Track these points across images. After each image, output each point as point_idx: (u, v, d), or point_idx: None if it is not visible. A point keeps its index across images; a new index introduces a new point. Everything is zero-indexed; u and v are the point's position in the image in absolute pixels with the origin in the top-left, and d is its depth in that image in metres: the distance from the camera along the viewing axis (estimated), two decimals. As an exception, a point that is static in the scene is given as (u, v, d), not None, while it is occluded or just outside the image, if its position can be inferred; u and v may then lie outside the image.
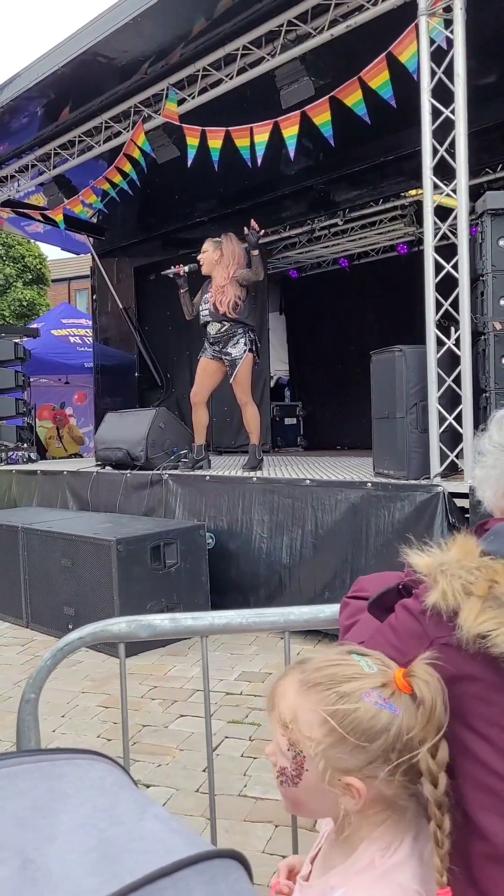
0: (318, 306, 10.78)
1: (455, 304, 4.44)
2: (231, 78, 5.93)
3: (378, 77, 4.96)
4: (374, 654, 1.08)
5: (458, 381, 4.43)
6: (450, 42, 4.39)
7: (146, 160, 6.72)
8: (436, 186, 4.55)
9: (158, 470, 6.07)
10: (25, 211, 8.89)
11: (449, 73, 4.40)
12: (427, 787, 0.98)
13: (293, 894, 1.16)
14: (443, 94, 4.44)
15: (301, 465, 6.63)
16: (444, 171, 4.51)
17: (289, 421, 10.76)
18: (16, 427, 8.84)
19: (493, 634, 0.99)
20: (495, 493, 1.23)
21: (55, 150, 7.53)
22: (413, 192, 7.70)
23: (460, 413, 4.39)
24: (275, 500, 5.16)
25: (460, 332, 4.39)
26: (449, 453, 4.48)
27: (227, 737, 3.36)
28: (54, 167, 7.69)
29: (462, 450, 4.47)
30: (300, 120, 5.54)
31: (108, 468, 6.74)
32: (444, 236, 4.55)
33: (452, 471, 4.51)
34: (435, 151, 4.50)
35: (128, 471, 6.33)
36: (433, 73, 4.48)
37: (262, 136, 5.76)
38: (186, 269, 6.06)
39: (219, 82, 6.04)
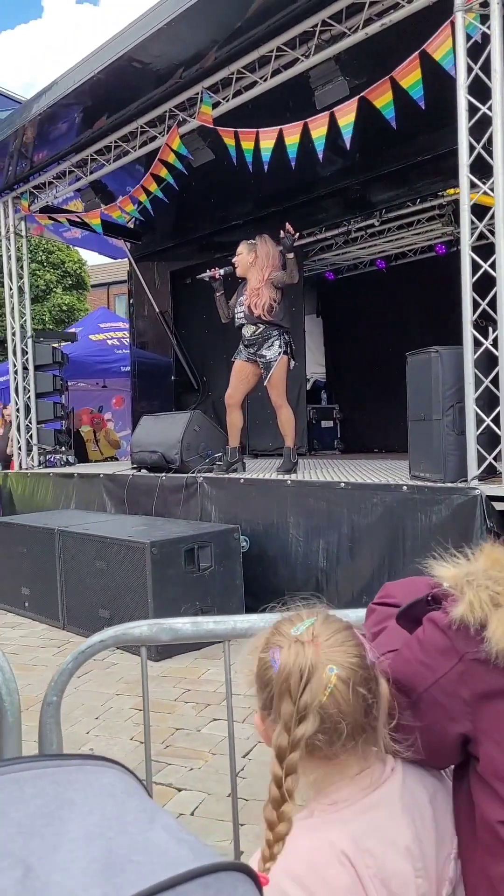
0: (355, 308, 10.71)
1: (493, 304, 4.36)
2: (265, 80, 5.92)
3: (410, 76, 4.89)
4: (332, 621, 1.09)
5: (496, 381, 4.35)
6: (486, 37, 4.32)
7: (182, 163, 6.74)
8: (473, 185, 4.48)
9: (193, 473, 6.08)
10: (63, 216, 8.99)
11: (486, 68, 4.33)
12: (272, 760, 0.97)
13: None
14: (480, 91, 4.37)
15: (337, 467, 6.59)
16: (482, 169, 4.44)
17: (325, 424, 10.69)
18: (54, 430, 8.94)
19: None
20: None
21: (92, 155, 7.60)
22: (450, 191, 7.60)
23: (498, 415, 4.32)
24: (310, 504, 5.12)
25: (498, 332, 4.31)
26: (487, 456, 4.40)
27: (259, 742, 3.33)
28: (91, 173, 7.77)
29: (500, 452, 4.38)
30: (329, 121, 5.49)
31: (143, 471, 6.77)
32: (482, 235, 4.47)
33: (490, 474, 4.43)
34: (472, 149, 4.43)
35: (163, 474, 6.35)
36: (469, 70, 4.41)
37: (292, 139, 5.73)
38: (222, 271, 6.05)
39: (253, 84, 6.04)
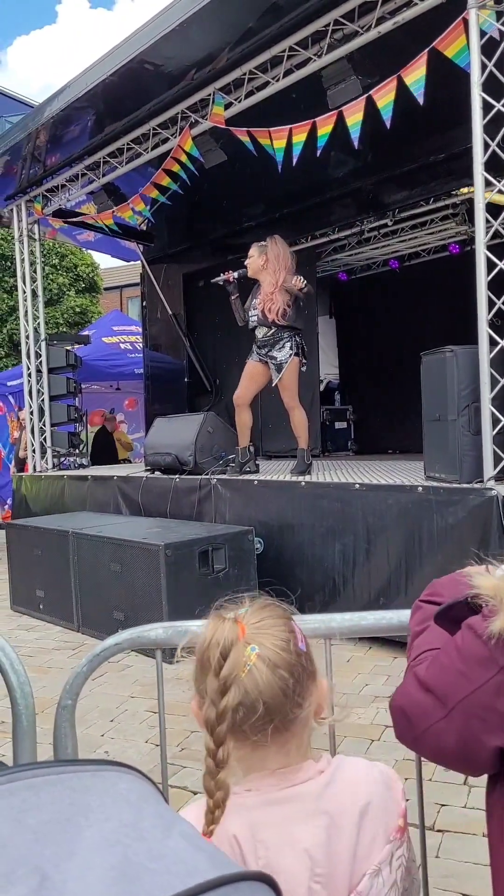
0: (369, 309, 10.68)
1: (508, 303, 4.34)
2: (278, 80, 5.91)
3: (415, 73, 4.86)
4: (267, 608, 1.09)
5: (512, 381, 4.32)
6: (501, 34, 4.29)
7: (194, 165, 6.74)
8: (488, 183, 4.45)
9: (207, 475, 6.07)
10: (76, 220, 9.02)
11: (500, 65, 4.30)
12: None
13: None
14: (494, 88, 4.34)
15: (351, 469, 6.56)
16: (497, 167, 4.42)
17: (339, 425, 10.67)
18: (68, 433, 8.96)
19: None
20: None
21: (104, 158, 7.62)
22: (464, 190, 7.55)
23: (515, 414, 4.28)
24: (324, 505, 5.10)
25: (514, 331, 4.29)
26: (503, 456, 4.36)
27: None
28: (103, 175, 7.78)
29: (517, 452, 4.35)
30: (336, 119, 5.47)
31: (157, 473, 6.77)
32: (497, 234, 4.45)
33: (507, 474, 4.39)
34: (486, 146, 4.40)
35: (177, 476, 6.35)
36: (483, 67, 4.38)
37: (300, 136, 5.71)
38: (235, 274, 6.04)
39: (265, 85, 6.03)
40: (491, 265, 4.43)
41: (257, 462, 6.35)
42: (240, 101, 6.21)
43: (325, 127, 5.55)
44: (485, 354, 4.36)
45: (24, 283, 8.89)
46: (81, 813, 0.57)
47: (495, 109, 4.34)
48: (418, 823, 1.55)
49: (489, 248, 4.45)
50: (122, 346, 12.55)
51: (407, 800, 1.13)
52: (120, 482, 6.98)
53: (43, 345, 8.84)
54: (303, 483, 5.34)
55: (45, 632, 5.57)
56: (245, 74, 6.04)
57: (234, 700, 0.98)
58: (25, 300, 8.89)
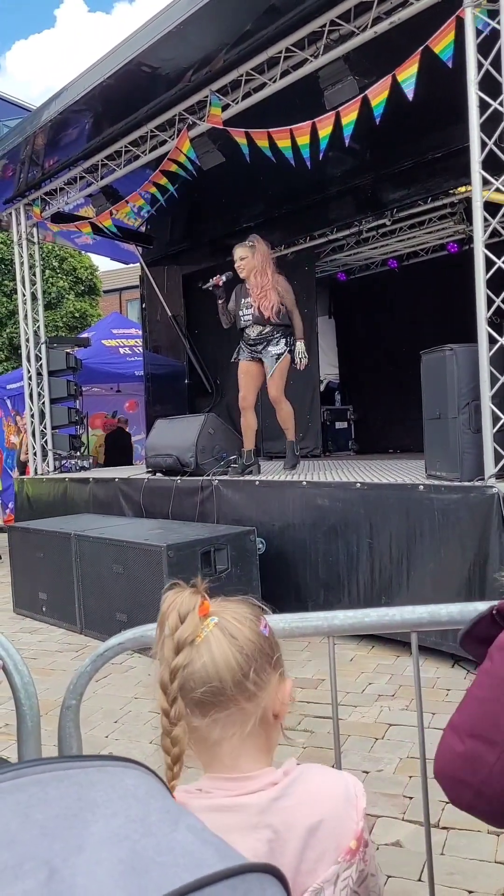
0: (368, 309, 10.68)
1: (507, 301, 4.34)
2: (274, 81, 5.92)
3: (406, 71, 4.87)
4: (240, 599, 1.09)
5: (511, 379, 4.32)
6: (496, 32, 4.30)
7: (193, 166, 6.75)
8: (485, 181, 4.45)
9: (208, 476, 6.07)
10: (74, 224, 9.02)
11: (496, 64, 4.30)
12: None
13: None
14: (490, 87, 4.35)
15: (352, 468, 6.56)
16: (494, 166, 4.42)
17: (340, 425, 10.67)
18: (68, 436, 8.97)
19: None
20: None
21: (102, 161, 7.63)
22: (462, 188, 7.57)
23: (515, 412, 4.29)
24: (326, 505, 5.10)
25: (513, 329, 4.29)
26: (503, 453, 4.36)
27: (279, 744, 3.31)
28: (101, 178, 7.79)
29: (517, 450, 4.35)
30: (335, 120, 5.48)
31: (158, 475, 6.77)
32: (495, 232, 4.45)
33: (508, 471, 4.40)
34: (483, 145, 4.40)
35: (178, 477, 6.35)
36: (480, 66, 4.39)
37: (303, 139, 5.72)
38: (224, 278, 6.09)
39: (262, 86, 6.03)
40: (489, 263, 4.43)
41: (260, 465, 6.38)
42: (237, 103, 6.22)
43: (325, 129, 5.55)
44: (484, 352, 4.36)
45: (24, 286, 8.90)
46: (88, 808, 0.57)
47: (492, 108, 4.35)
48: (423, 821, 1.55)
49: (487, 246, 4.45)
50: (122, 350, 12.57)
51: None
52: (121, 484, 6.98)
53: (43, 348, 8.84)
54: (304, 483, 5.34)
55: (48, 634, 5.57)
56: (242, 76, 6.05)
57: (184, 660, 0.98)
58: (25, 303, 8.89)
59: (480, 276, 4.43)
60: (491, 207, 4.46)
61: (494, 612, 1.01)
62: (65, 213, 8.79)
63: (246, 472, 6.05)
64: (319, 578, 5.10)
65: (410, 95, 4.91)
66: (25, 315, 8.89)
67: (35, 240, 9.00)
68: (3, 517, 10.93)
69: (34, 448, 8.87)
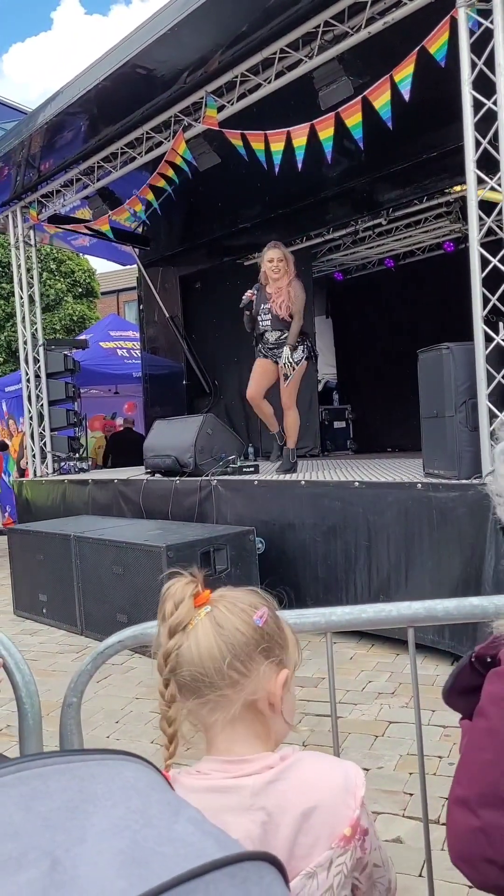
0: (365, 308, 10.70)
1: (503, 299, 4.35)
2: (269, 82, 5.94)
3: (403, 71, 4.89)
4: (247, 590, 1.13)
5: (508, 377, 4.34)
6: (489, 32, 4.31)
7: (189, 168, 6.76)
8: (480, 180, 4.47)
9: (207, 476, 6.09)
10: (73, 227, 9.04)
11: (490, 63, 4.32)
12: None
13: None
14: (484, 86, 4.36)
15: (351, 467, 6.58)
16: (489, 165, 4.43)
17: (338, 424, 10.67)
18: (67, 438, 8.97)
19: None
20: None
21: (98, 163, 7.64)
22: (457, 188, 7.58)
23: (511, 410, 4.30)
24: (325, 504, 5.12)
25: (509, 327, 4.31)
26: (501, 451, 4.37)
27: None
28: (98, 180, 7.80)
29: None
30: (335, 121, 5.49)
31: (157, 476, 6.78)
32: (490, 231, 4.46)
33: (505, 469, 4.40)
34: (478, 144, 4.42)
35: (177, 478, 6.36)
36: (473, 65, 4.40)
37: (300, 140, 5.73)
38: (254, 291, 6.16)
39: (257, 87, 6.05)
40: (485, 262, 4.45)
41: (258, 466, 6.44)
42: (232, 104, 6.23)
43: (325, 131, 5.56)
44: (480, 351, 4.38)
45: (22, 288, 8.90)
46: (89, 800, 0.58)
47: (486, 108, 4.36)
48: (423, 817, 1.57)
49: (483, 245, 4.47)
50: (120, 352, 12.57)
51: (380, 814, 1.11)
52: (120, 485, 6.99)
53: (41, 350, 8.85)
54: (303, 482, 5.36)
55: (49, 636, 5.58)
56: (237, 77, 6.06)
57: (175, 645, 1.04)
58: (23, 306, 8.90)
59: (476, 275, 4.44)
60: (486, 206, 4.47)
61: (473, 659, 0.97)
62: (62, 215, 8.80)
63: (277, 457, 6.22)
64: (318, 577, 5.12)
65: (407, 96, 4.93)
66: (23, 318, 8.90)
67: (32, 242, 9.01)
68: (2, 520, 10.93)
69: (33, 450, 8.87)
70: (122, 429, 12.06)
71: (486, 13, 4.33)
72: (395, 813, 2.70)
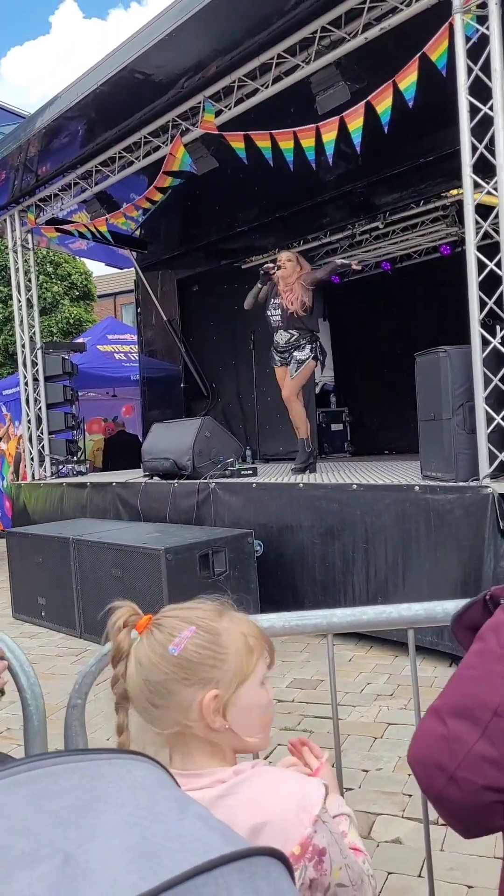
0: (362, 311, 10.71)
1: (500, 303, 4.39)
2: (267, 87, 5.96)
3: (407, 78, 4.92)
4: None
5: (505, 380, 4.36)
6: (485, 38, 4.34)
7: (186, 172, 6.78)
8: (476, 185, 4.50)
9: (205, 479, 6.10)
10: (69, 228, 9.05)
11: (486, 69, 4.35)
12: None
13: None
14: (480, 91, 4.39)
15: (348, 470, 6.60)
16: (485, 169, 4.47)
17: (335, 427, 10.70)
18: (65, 440, 8.98)
19: None
20: None
21: (96, 167, 7.65)
22: (454, 191, 7.61)
23: (508, 412, 4.32)
24: (322, 506, 5.13)
25: (506, 331, 4.33)
26: (498, 454, 4.40)
27: (279, 744, 3.34)
28: (96, 184, 7.82)
29: (512, 450, 4.39)
30: (338, 126, 5.52)
31: (155, 478, 6.79)
32: (487, 235, 4.49)
33: (502, 472, 4.43)
34: (474, 149, 4.45)
35: (175, 480, 6.37)
36: (470, 71, 4.43)
37: (308, 141, 5.75)
38: (276, 269, 6.20)
39: (255, 92, 6.07)
40: (482, 266, 4.47)
41: (256, 469, 6.46)
42: (230, 109, 6.26)
43: (329, 133, 5.59)
44: (477, 354, 4.40)
45: (19, 292, 8.91)
46: (100, 798, 0.60)
47: (482, 113, 4.39)
48: (422, 818, 1.58)
49: (479, 248, 4.49)
50: (117, 355, 12.58)
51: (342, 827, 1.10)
52: (119, 488, 7.00)
53: (39, 353, 8.86)
54: (301, 485, 5.37)
55: (48, 639, 5.59)
56: (234, 82, 6.09)
57: (119, 672, 1.13)
58: (21, 309, 8.91)
59: (473, 278, 4.47)
60: (482, 210, 4.50)
61: (487, 597, 0.97)
62: (59, 218, 8.82)
63: (309, 463, 6.29)
64: (317, 580, 5.13)
65: (411, 104, 4.97)
66: (21, 321, 8.91)
67: (30, 246, 9.03)
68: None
69: (31, 453, 8.88)
70: (115, 432, 12.08)
71: (483, 19, 4.37)
72: (394, 814, 2.71)
